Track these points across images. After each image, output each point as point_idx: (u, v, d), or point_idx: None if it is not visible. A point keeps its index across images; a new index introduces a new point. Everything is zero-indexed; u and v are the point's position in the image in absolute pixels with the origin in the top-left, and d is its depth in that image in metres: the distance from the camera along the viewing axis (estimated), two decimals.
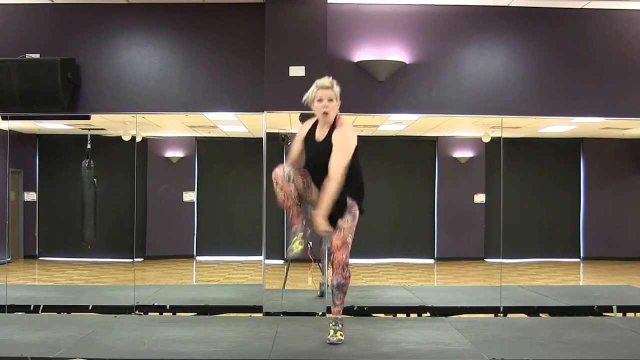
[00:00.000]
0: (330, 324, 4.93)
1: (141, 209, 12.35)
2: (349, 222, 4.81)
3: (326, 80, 4.88)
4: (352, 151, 4.80)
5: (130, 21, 7.48)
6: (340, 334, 4.89)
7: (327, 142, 4.81)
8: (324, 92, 4.82)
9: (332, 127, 4.85)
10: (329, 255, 4.94)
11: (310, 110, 4.98)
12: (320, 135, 4.90)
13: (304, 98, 4.94)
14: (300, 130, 5.04)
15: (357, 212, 4.87)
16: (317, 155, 4.83)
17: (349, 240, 4.81)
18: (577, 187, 13.67)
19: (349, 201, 4.84)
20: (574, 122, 10.08)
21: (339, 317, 4.93)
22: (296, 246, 4.83)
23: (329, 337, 4.87)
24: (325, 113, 4.82)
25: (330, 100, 4.82)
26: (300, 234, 4.84)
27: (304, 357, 4.60)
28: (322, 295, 5.78)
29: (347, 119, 4.96)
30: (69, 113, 7.41)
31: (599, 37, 7.60)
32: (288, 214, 4.86)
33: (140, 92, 7.41)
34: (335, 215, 4.78)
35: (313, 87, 4.89)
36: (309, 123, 5.00)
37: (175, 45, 7.48)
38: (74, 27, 7.44)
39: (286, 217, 5.19)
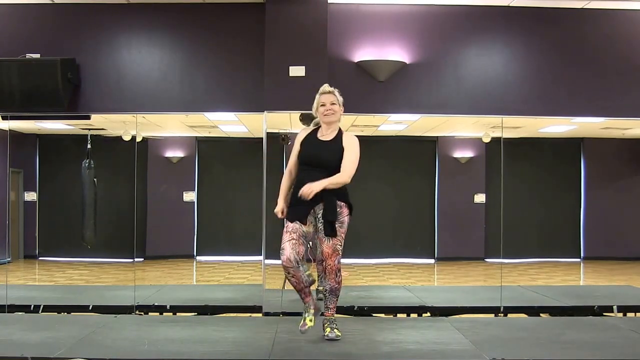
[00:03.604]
0: (326, 324, 5.08)
1: (141, 209, 12.34)
2: (338, 230, 4.92)
3: (327, 86, 5.05)
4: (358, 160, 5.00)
5: (130, 21, 7.49)
6: (337, 330, 5.02)
7: (337, 142, 4.95)
8: (326, 97, 5.00)
9: (339, 132, 5.02)
10: (320, 262, 5.02)
11: (310, 110, 5.04)
12: (325, 137, 5.00)
13: (314, 111, 5.07)
14: (297, 137, 5.11)
15: (346, 219, 4.96)
16: (322, 154, 4.92)
17: (339, 247, 4.96)
18: (578, 187, 13.67)
19: (339, 204, 4.92)
20: (574, 122, 10.08)
21: (333, 317, 5.10)
22: (309, 321, 4.96)
23: (326, 333, 5.01)
24: (327, 115, 4.96)
25: (333, 103, 4.98)
26: (312, 311, 4.99)
27: (304, 357, 4.60)
28: (320, 300, 5.90)
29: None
30: (69, 113, 7.41)
31: (599, 37, 7.60)
32: (301, 296, 5.01)
33: (140, 92, 7.42)
34: (325, 216, 4.88)
35: (317, 96, 5.05)
36: (306, 130, 5.11)
37: (175, 45, 7.48)
38: (74, 27, 7.44)
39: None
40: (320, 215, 4.91)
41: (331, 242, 4.91)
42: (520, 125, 9.64)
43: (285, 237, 4.90)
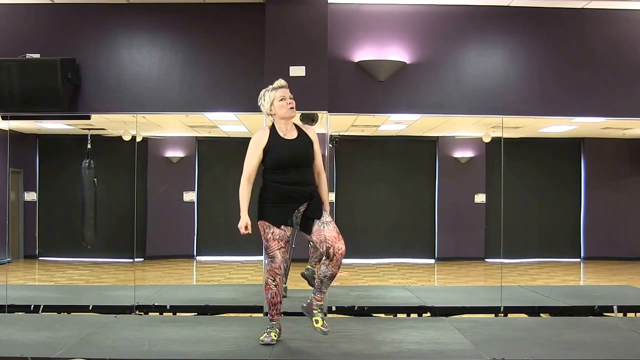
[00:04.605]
0: (316, 310, 4.89)
1: (141, 209, 12.34)
2: (329, 216, 4.91)
3: (282, 80, 5.00)
4: None
5: (130, 21, 7.48)
6: (324, 320, 4.91)
7: (305, 137, 4.94)
8: (285, 91, 4.94)
9: (297, 126, 4.99)
10: (321, 250, 4.84)
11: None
12: (290, 135, 4.93)
13: (262, 107, 4.99)
14: (255, 142, 4.97)
15: None
16: (297, 153, 4.87)
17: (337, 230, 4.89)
18: (578, 187, 13.67)
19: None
20: (575, 122, 10.08)
21: (322, 303, 4.96)
22: (274, 336, 4.93)
23: (318, 326, 4.83)
24: (293, 108, 4.90)
25: (291, 97, 4.93)
26: (278, 331, 4.96)
27: (304, 357, 4.61)
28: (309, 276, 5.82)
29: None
30: (69, 113, 7.41)
31: (599, 37, 7.60)
32: (273, 311, 4.96)
33: (140, 92, 7.42)
34: (314, 214, 4.86)
35: (268, 93, 4.96)
36: (263, 134, 4.97)
37: (175, 45, 7.48)
38: (74, 27, 7.44)
39: None
40: (304, 213, 4.88)
41: (332, 226, 4.80)
42: (520, 125, 9.65)
43: (274, 244, 4.84)
